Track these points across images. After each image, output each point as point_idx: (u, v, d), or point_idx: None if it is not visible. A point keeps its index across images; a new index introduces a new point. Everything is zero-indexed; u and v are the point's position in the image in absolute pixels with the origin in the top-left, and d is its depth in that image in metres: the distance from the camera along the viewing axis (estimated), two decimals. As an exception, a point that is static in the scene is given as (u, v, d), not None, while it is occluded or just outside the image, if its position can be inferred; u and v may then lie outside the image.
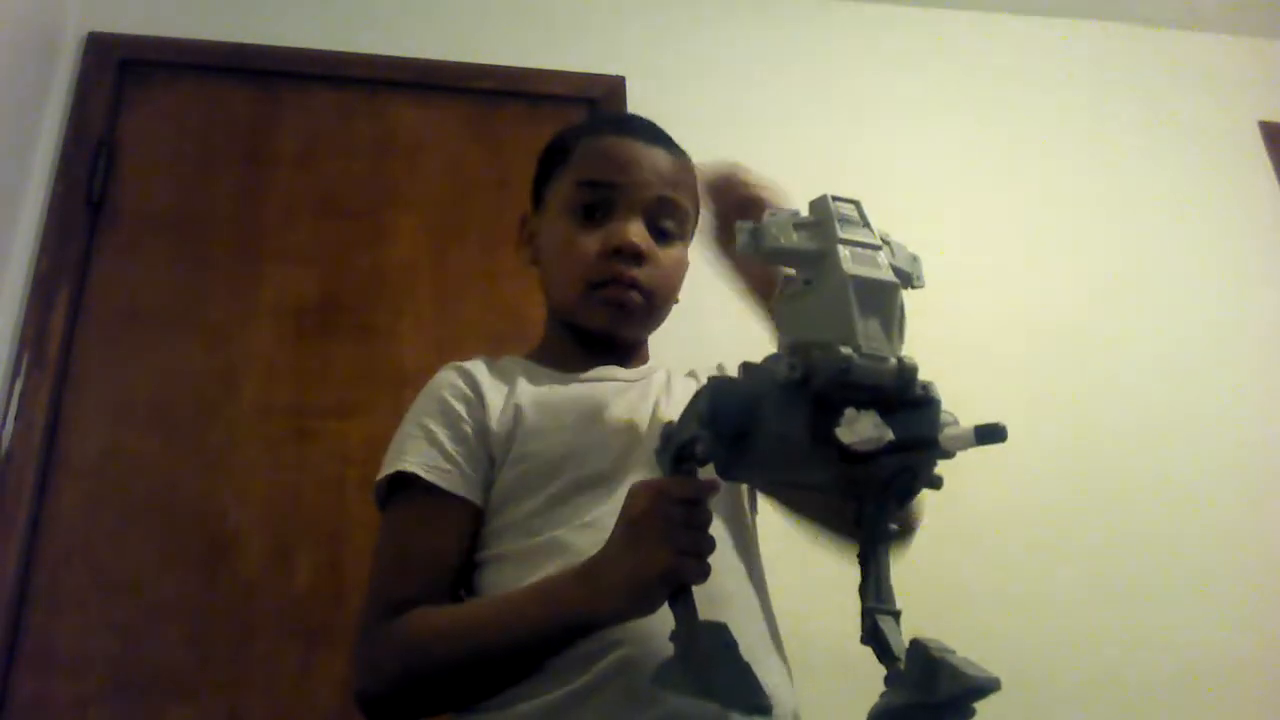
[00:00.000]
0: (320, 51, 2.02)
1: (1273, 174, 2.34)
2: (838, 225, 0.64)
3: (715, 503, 0.77)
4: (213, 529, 1.64)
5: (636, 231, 1.01)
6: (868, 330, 0.60)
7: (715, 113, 2.13)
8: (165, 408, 1.70)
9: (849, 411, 0.58)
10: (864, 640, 0.64)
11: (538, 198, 1.11)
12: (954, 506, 1.76)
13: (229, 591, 1.60)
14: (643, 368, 1.08)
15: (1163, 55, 2.45)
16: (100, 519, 1.62)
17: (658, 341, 1.13)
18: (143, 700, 1.52)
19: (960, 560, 1.80)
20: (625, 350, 1.08)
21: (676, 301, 1.12)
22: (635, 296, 1.01)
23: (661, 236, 1.03)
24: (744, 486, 1.01)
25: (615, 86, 2.09)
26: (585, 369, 1.04)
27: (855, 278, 0.61)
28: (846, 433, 0.58)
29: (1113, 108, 2.36)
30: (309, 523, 1.66)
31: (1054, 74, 2.38)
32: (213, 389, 1.73)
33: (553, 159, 1.10)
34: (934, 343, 2.03)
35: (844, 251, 0.62)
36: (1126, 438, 1.99)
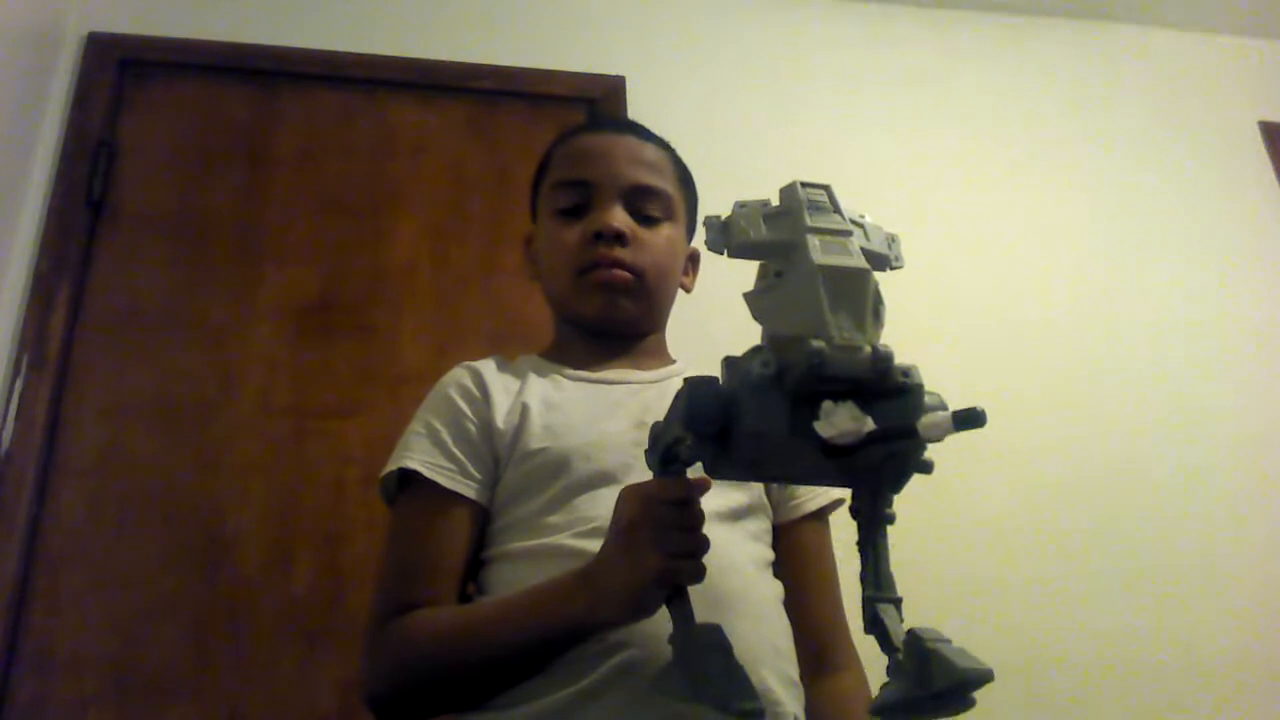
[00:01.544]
0: (320, 51, 2.02)
1: (1273, 174, 2.34)
2: (807, 214, 0.63)
3: (717, 501, 0.76)
4: (212, 529, 1.63)
5: (615, 215, 1.03)
6: (839, 321, 0.58)
7: (715, 113, 2.14)
8: (165, 408, 1.70)
9: (826, 404, 0.57)
10: (866, 629, 0.63)
11: (534, 216, 1.14)
12: (954, 498, 1.78)
13: (228, 591, 1.60)
14: (664, 369, 1.08)
15: (1163, 55, 2.45)
16: (100, 519, 1.62)
17: (670, 339, 1.14)
18: (143, 700, 1.52)
19: (960, 551, 1.81)
20: (640, 350, 1.08)
21: (687, 290, 1.14)
22: (623, 274, 1.02)
23: (646, 221, 1.05)
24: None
25: (615, 86, 2.09)
26: (599, 368, 1.05)
27: (824, 267, 0.60)
28: (824, 426, 0.57)
29: (1113, 107, 2.36)
30: (308, 523, 1.66)
31: (1054, 74, 2.38)
32: (213, 389, 1.73)
33: (539, 174, 1.13)
34: (934, 338, 2.04)
35: (813, 241, 0.61)
36: (1126, 432, 2.00)
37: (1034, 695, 1.70)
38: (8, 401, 1.64)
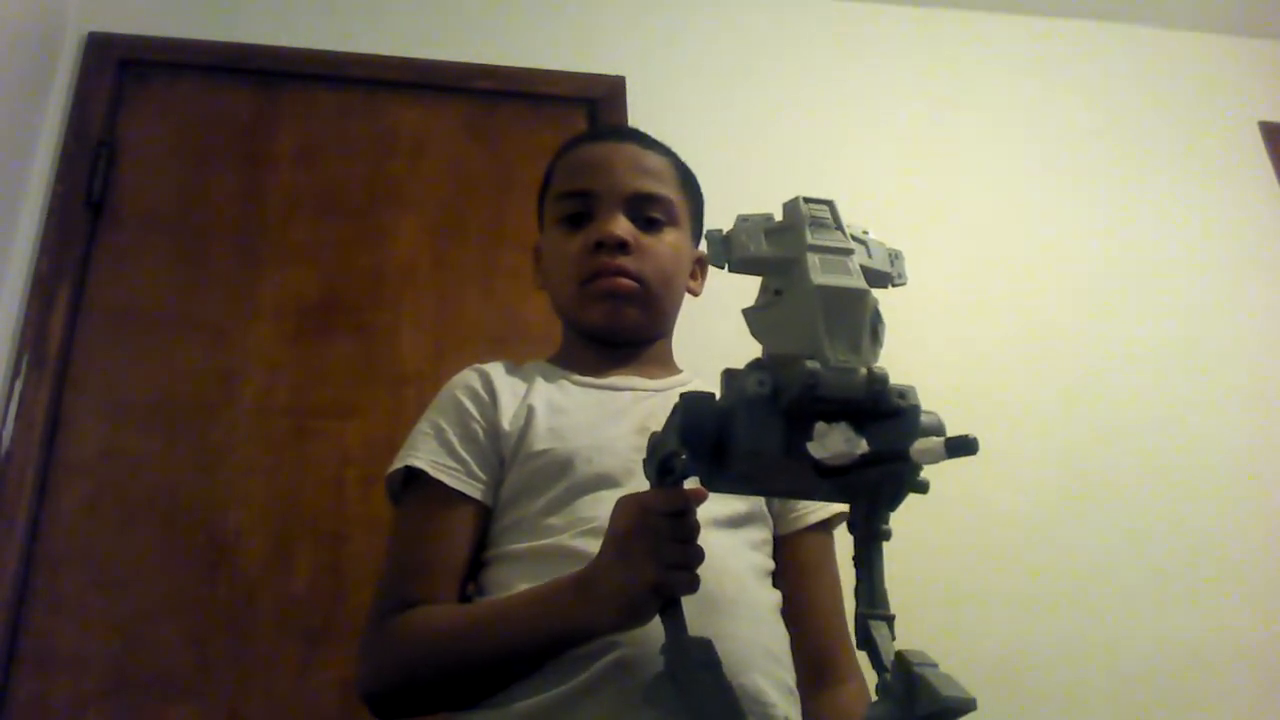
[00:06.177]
0: (320, 51, 2.02)
1: (1273, 174, 2.34)
2: (808, 230, 0.63)
3: (717, 508, 0.77)
4: (213, 529, 1.63)
5: (616, 224, 1.03)
6: (835, 342, 0.59)
7: (715, 112, 2.14)
8: (165, 408, 1.70)
9: (819, 426, 0.57)
10: (858, 646, 0.64)
11: (541, 227, 1.15)
12: (945, 504, 1.78)
13: (229, 591, 1.60)
14: (671, 378, 1.09)
15: (1163, 55, 2.45)
16: (100, 519, 1.62)
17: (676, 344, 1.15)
18: (143, 700, 1.52)
19: (951, 558, 1.80)
20: (646, 357, 1.09)
21: (695, 294, 1.14)
22: (626, 283, 1.03)
23: (649, 225, 1.06)
24: None
25: (615, 86, 2.09)
26: (605, 375, 1.06)
27: (822, 288, 0.60)
28: (817, 448, 0.57)
29: (1113, 108, 2.36)
30: (309, 523, 1.66)
31: (1053, 74, 2.38)
32: (213, 389, 1.72)
33: (544, 185, 1.14)
34: (929, 342, 2.03)
35: (813, 260, 0.61)
36: (1123, 437, 1.99)
37: (1020, 703, 1.69)
38: (8, 401, 1.64)
